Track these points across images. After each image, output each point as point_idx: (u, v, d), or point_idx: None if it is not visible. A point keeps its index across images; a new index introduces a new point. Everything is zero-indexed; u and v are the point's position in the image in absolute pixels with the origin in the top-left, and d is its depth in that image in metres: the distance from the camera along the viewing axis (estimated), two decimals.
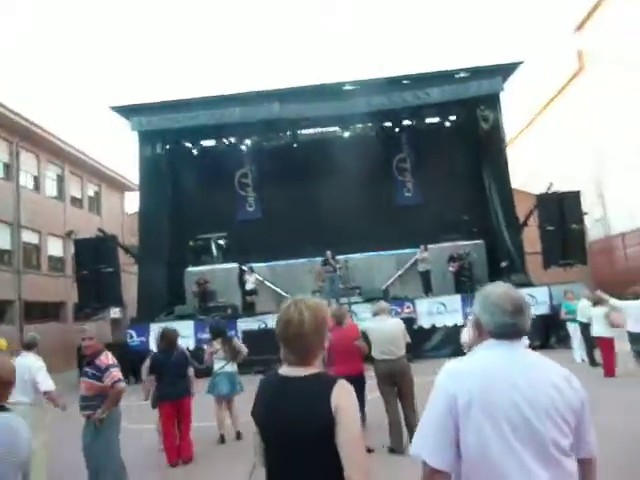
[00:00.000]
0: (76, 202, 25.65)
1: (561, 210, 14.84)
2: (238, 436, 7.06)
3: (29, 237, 21.62)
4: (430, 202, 18.92)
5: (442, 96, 16.01)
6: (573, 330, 11.35)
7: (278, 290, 18.36)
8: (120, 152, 34.05)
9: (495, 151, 17.23)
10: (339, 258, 17.30)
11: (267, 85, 54.64)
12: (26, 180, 21.85)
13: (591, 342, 10.38)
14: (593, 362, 10.51)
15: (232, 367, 7.28)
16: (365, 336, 6.20)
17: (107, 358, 4.83)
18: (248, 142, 19.74)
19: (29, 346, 5.82)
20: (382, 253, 18.94)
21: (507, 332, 1.82)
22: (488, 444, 1.65)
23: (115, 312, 23.73)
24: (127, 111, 16.96)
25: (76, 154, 24.69)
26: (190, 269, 18.70)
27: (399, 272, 18.66)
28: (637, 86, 32.69)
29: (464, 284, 16.69)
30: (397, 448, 5.74)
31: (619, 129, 37.07)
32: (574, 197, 15.33)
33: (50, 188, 23.74)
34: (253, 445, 2.03)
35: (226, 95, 17.02)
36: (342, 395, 1.82)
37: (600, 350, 9.94)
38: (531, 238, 17.40)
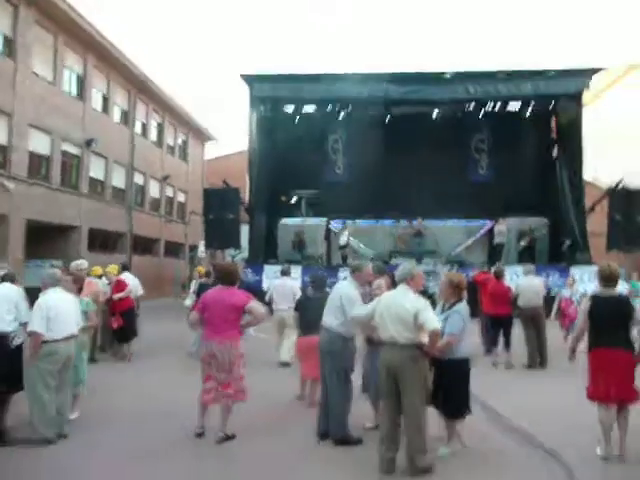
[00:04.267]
0: (170, 149, 28.30)
1: (629, 203, 17.02)
2: None
3: (137, 179, 24.43)
4: (501, 181, 20.87)
5: (533, 91, 18.02)
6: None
7: (362, 248, 20.95)
8: (203, 104, 36.45)
9: (572, 143, 19.18)
10: (419, 223, 19.78)
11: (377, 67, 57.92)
12: (137, 127, 24.50)
13: None
14: None
15: None
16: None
17: None
18: (344, 112, 21.88)
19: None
20: (453, 222, 21.28)
21: None
22: None
23: (202, 252, 26.61)
24: (251, 79, 19.29)
25: (175, 106, 27.22)
26: (283, 221, 21.33)
27: (469, 241, 21.04)
28: None
29: (528, 257, 19.03)
30: (532, 365, 8.44)
31: None
32: None
33: (153, 135, 26.38)
34: None
35: (336, 73, 19.21)
36: None
37: None
38: (591, 224, 19.50)
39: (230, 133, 79.49)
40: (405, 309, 4.24)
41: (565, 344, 8.72)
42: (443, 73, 18.56)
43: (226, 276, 5.07)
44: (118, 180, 22.76)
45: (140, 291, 10.17)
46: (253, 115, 20.46)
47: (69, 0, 17.39)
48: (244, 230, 19.52)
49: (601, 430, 4.66)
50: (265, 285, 17.48)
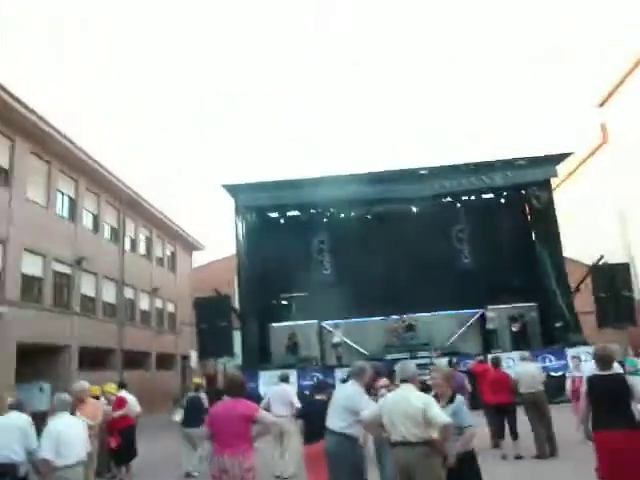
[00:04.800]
0: (159, 261, 28.70)
1: (612, 279, 17.53)
2: None
3: (128, 293, 24.54)
4: (485, 268, 21.35)
5: (504, 181, 19.12)
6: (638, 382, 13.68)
7: (354, 345, 20.91)
8: (190, 214, 37.61)
9: (548, 225, 20.06)
10: (410, 317, 19.99)
11: (351, 168, 61.61)
12: (126, 242, 25.01)
13: None
14: None
15: None
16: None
17: None
18: (327, 213, 22.74)
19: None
20: (443, 313, 21.47)
21: None
22: None
23: (194, 362, 26.22)
24: (234, 189, 20.17)
25: (162, 219, 27.99)
26: (274, 324, 21.37)
27: (461, 329, 21.16)
28: None
29: (521, 341, 19.15)
30: (542, 455, 8.28)
31: (637, 197, 39.76)
32: (623, 268, 18.12)
33: (142, 249, 26.86)
34: None
35: (316, 178, 20.26)
36: None
37: None
38: (580, 302, 19.89)
39: (216, 239, 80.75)
40: (413, 406, 4.33)
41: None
42: (418, 170, 19.67)
43: (234, 388, 5.12)
44: (109, 295, 22.85)
45: (138, 408, 10.00)
46: (239, 222, 21.18)
47: (63, 131, 18.43)
48: (236, 336, 19.50)
49: None
50: (262, 391, 17.22)
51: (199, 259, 35.83)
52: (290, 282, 21.45)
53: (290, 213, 23.04)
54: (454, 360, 12.95)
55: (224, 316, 18.34)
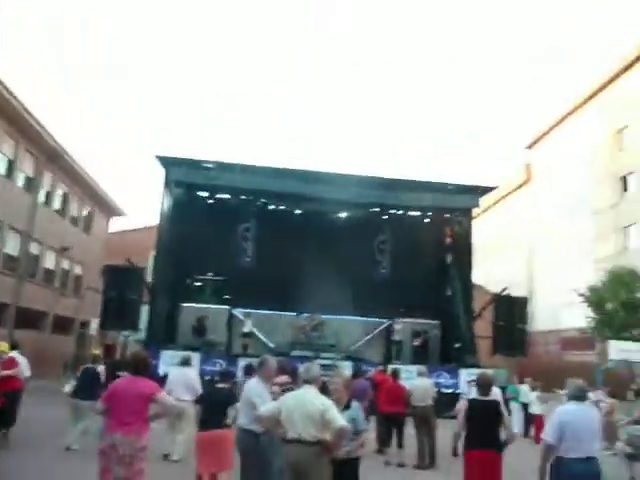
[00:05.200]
0: (73, 220, 27.34)
1: (511, 310, 18.77)
2: None
3: (33, 248, 23.19)
4: (400, 282, 22.04)
5: (432, 202, 19.94)
6: (515, 408, 14.73)
7: (262, 337, 20.99)
8: (116, 179, 36.14)
9: (463, 251, 21.13)
10: (320, 317, 20.32)
11: (287, 163, 61.02)
12: (41, 195, 23.63)
13: (529, 418, 13.83)
14: (527, 434, 13.91)
15: None
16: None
17: None
18: (258, 202, 22.62)
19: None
20: (353, 318, 22.03)
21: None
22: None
23: (94, 329, 25.16)
24: (167, 162, 19.62)
25: (86, 179, 26.73)
26: (185, 304, 21.02)
27: (368, 337, 21.79)
28: (569, 203, 38.69)
29: (421, 356, 20.04)
30: (421, 465, 8.75)
31: (549, 241, 42.86)
32: (522, 302, 19.47)
33: (57, 204, 25.48)
34: None
35: (252, 166, 20.10)
36: None
37: (534, 423, 13.36)
38: (480, 327, 21.12)
39: (139, 208, 78.07)
40: (315, 407, 4.47)
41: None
42: (353, 176, 20.05)
43: (137, 365, 5.04)
44: (11, 247, 21.50)
45: (28, 372, 9.47)
46: (166, 196, 20.63)
47: None
48: (143, 311, 19.00)
49: None
50: (162, 371, 16.89)
51: (118, 225, 34.55)
52: (208, 264, 21.19)
53: (220, 195, 22.70)
54: (362, 367, 13.30)
55: (134, 288, 17.80)
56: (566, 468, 4.70)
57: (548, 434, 4.84)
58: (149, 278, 20.64)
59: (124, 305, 17.37)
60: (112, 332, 21.03)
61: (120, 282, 17.63)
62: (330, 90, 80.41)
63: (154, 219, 21.40)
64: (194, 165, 19.74)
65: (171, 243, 20.37)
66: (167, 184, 20.38)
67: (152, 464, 7.50)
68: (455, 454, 5.52)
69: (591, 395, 13.87)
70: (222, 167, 19.83)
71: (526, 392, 14.35)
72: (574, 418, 4.81)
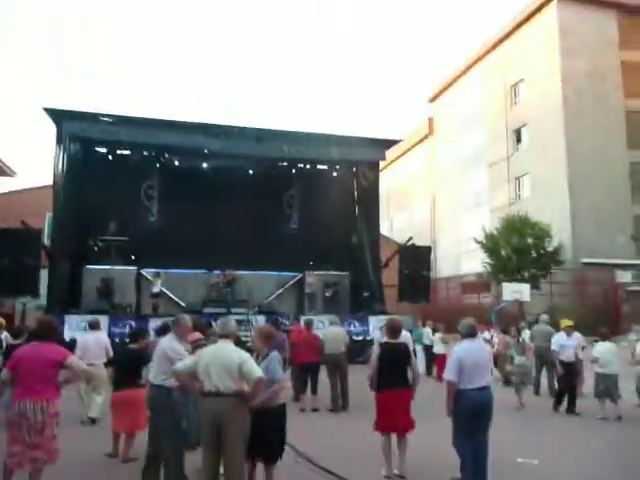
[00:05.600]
0: None
1: (416, 259, 19.73)
2: None
3: None
4: (310, 236, 22.27)
5: (339, 155, 20.15)
6: (419, 349, 15.71)
7: (173, 297, 20.65)
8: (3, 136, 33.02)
9: (370, 203, 21.72)
10: (231, 273, 20.23)
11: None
12: None
13: (431, 358, 14.86)
14: (430, 373, 14.98)
15: None
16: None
17: None
18: (161, 158, 21.69)
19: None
20: (264, 273, 22.18)
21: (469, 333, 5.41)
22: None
23: None
24: (58, 115, 18.21)
25: None
26: (90, 267, 20.10)
27: (280, 290, 22.09)
28: (465, 154, 40.91)
29: (332, 306, 20.70)
30: (335, 409, 9.22)
31: (450, 191, 45.25)
32: (425, 251, 20.53)
33: None
34: None
35: (154, 119, 19.15)
36: None
37: (436, 363, 14.39)
38: (387, 277, 22.08)
39: (33, 166, 72.32)
40: (231, 360, 4.55)
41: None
42: (260, 130, 19.73)
43: (45, 331, 4.85)
44: None
45: None
46: (60, 153, 19.20)
47: None
48: (42, 275, 17.94)
49: (384, 454, 5.67)
50: (67, 336, 16.22)
51: (8, 185, 31.82)
52: (111, 224, 20.20)
53: (120, 152, 21.48)
54: (279, 320, 13.50)
55: (31, 252, 16.64)
56: (465, 398, 5.30)
57: (449, 373, 5.40)
58: (47, 241, 19.47)
59: (21, 271, 16.25)
60: (9, 300, 19.69)
61: (14, 246, 16.40)
62: (234, 39, 77.65)
63: (49, 178, 19.93)
64: (90, 118, 18.44)
65: (69, 203, 19.14)
66: (60, 140, 18.91)
67: (69, 428, 7.46)
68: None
69: (486, 333, 15.21)
70: (121, 120, 18.69)
71: (428, 334, 15.37)
72: (468, 354, 5.40)
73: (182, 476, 5.13)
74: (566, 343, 9.81)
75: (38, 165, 66.71)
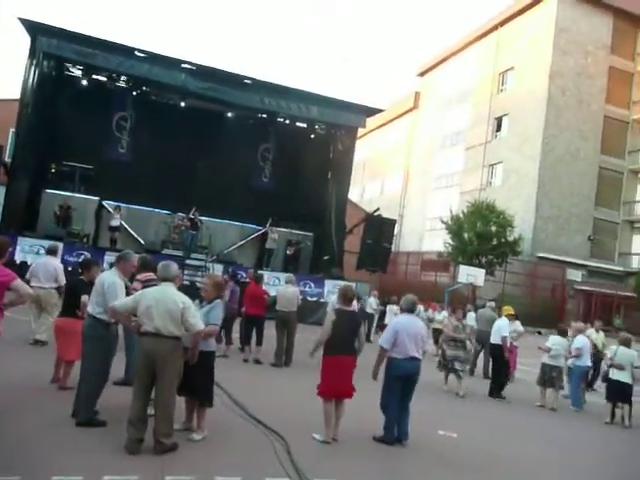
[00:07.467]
0: None
1: (380, 230, 19.97)
2: None
3: None
4: (280, 192, 22.12)
5: (319, 115, 19.91)
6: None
7: (133, 233, 20.36)
8: None
9: (343, 168, 21.70)
10: (195, 218, 19.98)
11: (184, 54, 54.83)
12: None
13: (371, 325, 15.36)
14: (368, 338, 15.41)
15: None
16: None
17: None
18: (138, 90, 20.93)
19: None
20: (229, 222, 22.06)
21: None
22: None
23: None
24: (34, 27, 17.30)
25: None
26: (49, 191, 19.59)
27: (241, 242, 22.05)
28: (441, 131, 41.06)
29: (292, 265, 20.87)
30: (277, 364, 9.43)
31: (425, 168, 45.46)
32: (390, 223, 20.79)
33: None
34: None
35: (136, 47, 18.38)
36: None
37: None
38: (349, 243, 22.29)
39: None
40: (175, 305, 4.61)
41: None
42: (244, 77, 19.24)
43: None
44: None
45: None
46: (31, 68, 18.34)
47: None
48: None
49: (325, 419, 5.72)
50: (18, 259, 15.93)
51: None
52: (78, 150, 19.56)
53: (96, 77, 20.59)
54: (235, 271, 13.45)
55: None
56: (397, 366, 5.92)
57: (384, 341, 6.01)
58: (7, 158, 18.81)
59: None
60: None
61: None
62: None
63: (16, 92, 19.05)
64: (67, 36, 17.49)
65: (35, 121, 18.41)
66: (33, 54, 17.99)
67: (18, 349, 7.74)
68: (312, 356, 6.07)
69: (430, 311, 15.72)
70: (101, 45, 17.79)
71: (371, 303, 15.81)
72: (404, 327, 6.00)
73: (92, 410, 5.17)
74: (505, 329, 10.14)
75: (3, 74, 63.39)
